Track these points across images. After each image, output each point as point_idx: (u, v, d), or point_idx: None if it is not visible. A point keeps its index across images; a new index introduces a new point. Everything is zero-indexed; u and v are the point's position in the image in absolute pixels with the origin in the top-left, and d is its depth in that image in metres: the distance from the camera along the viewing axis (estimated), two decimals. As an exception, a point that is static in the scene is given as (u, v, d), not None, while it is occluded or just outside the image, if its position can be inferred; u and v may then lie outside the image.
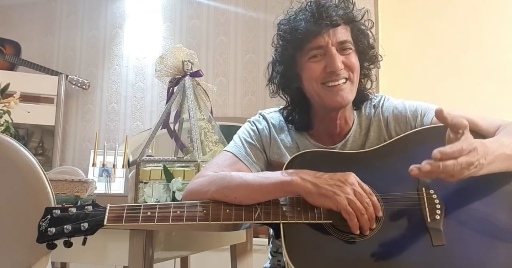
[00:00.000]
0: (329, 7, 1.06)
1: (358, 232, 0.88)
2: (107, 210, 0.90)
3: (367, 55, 1.13)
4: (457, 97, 2.43)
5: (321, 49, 1.05)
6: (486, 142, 0.88)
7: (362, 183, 0.90)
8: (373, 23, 1.15)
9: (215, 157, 1.17)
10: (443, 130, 0.98)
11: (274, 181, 0.92)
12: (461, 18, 2.57)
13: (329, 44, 1.04)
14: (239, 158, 1.10)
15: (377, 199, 0.92)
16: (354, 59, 1.07)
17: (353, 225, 0.87)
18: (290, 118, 1.18)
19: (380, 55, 1.16)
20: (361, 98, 1.16)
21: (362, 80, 1.15)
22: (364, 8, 1.14)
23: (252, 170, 1.11)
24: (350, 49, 1.07)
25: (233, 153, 1.12)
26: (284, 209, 0.91)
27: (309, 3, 1.08)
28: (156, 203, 0.94)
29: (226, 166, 1.09)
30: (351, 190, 0.88)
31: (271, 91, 1.17)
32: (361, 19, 1.11)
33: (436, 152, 0.80)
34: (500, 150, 0.88)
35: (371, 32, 1.14)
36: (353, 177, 0.90)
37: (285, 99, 1.18)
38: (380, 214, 0.89)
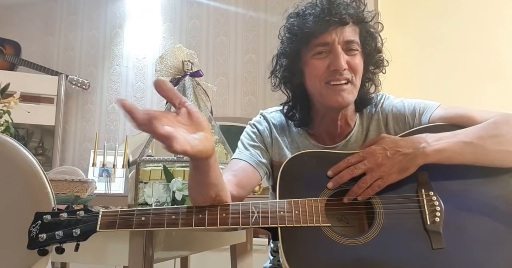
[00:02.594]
0: (339, 5, 1.05)
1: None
2: (100, 216, 0.87)
3: (373, 58, 1.11)
4: (457, 97, 2.42)
5: (327, 46, 1.04)
6: (415, 136, 0.96)
7: None
8: (383, 26, 1.13)
9: None
10: (440, 128, 0.99)
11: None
12: (461, 18, 2.57)
13: (336, 42, 1.03)
14: (242, 159, 1.11)
15: (376, 201, 0.92)
16: (358, 61, 1.06)
17: None
18: (290, 114, 1.17)
19: (387, 60, 1.14)
20: (363, 102, 1.14)
21: (366, 84, 1.13)
22: (374, 10, 1.12)
23: (259, 170, 1.11)
24: (356, 50, 1.06)
25: (237, 158, 1.12)
26: (281, 213, 0.89)
27: None
28: (150, 208, 0.89)
29: (227, 171, 1.09)
30: None
31: (273, 84, 1.16)
32: (370, 20, 1.09)
33: (328, 172, 0.95)
34: (452, 139, 0.94)
35: (379, 35, 1.12)
36: None
37: (287, 94, 1.17)
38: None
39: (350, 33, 1.05)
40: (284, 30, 1.12)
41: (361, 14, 1.08)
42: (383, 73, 1.15)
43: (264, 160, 1.14)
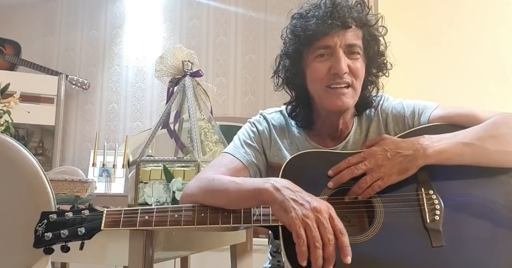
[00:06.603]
0: (343, 8, 1.04)
1: (304, 263, 0.79)
2: (104, 215, 0.89)
3: (376, 62, 1.11)
4: (457, 97, 2.42)
5: (328, 49, 1.04)
6: (415, 138, 0.97)
7: (335, 217, 0.81)
8: (387, 30, 1.12)
9: (214, 159, 1.17)
10: (439, 128, 1.01)
11: (249, 187, 0.89)
12: (461, 17, 2.57)
13: (337, 45, 1.03)
14: (237, 158, 1.10)
15: (376, 200, 0.93)
16: (359, 65, 1.05)
17: (300, 251, 0.79)
18: (294, 113, 1.17)
19: (390, 63, 1.13)
20: (364, 105, 1.14)
21: (369, 87, 1.13)
22: (379, 14, 1.10)
23: (250, 170, 1.11)
24: (358, 54, 1.05)
25: (231, 154, 1.12)
26: None
27: (324, 0, 1.06)
28: (153, 207, 0.92)
29: (222, 166, 1.08)
30: (314, 217, 0.80)
31: (276, 84, 1.16)
32: (374, 24, 1.09)
33: (329, 172, 0.96)
34: (452, 140, 0.95)
35: (383, 39, 1.11)
36: (325, 207, 0.82)
37: (290, 93, 1.17)
38: (348, 260, 0.78)
39: (353, 36, 1.04)
40: (287, 31, 1.12)
41: (364, 17, 1.07)
42: (386, 76, 1.14)
43: (256, 161, 1.13)
